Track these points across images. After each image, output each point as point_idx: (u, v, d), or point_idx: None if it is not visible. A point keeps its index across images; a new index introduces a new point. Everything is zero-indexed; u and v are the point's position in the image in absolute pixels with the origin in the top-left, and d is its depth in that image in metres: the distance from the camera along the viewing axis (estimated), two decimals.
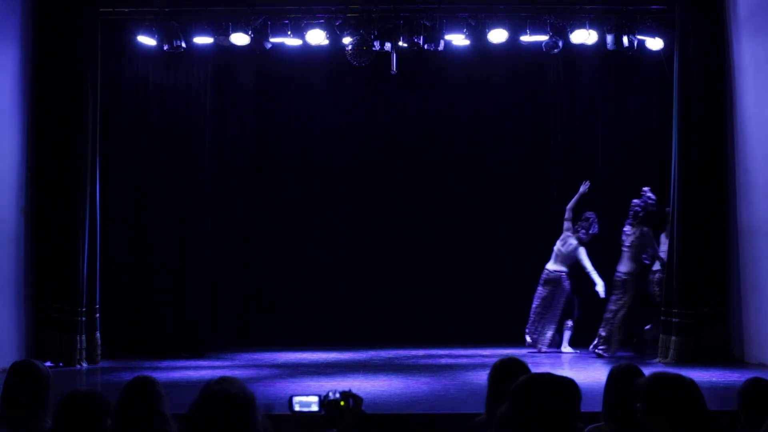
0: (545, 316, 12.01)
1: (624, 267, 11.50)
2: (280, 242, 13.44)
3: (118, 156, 12.39)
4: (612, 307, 11.51)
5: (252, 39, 11.52)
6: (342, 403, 3.21)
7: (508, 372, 4.42)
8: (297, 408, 3.30)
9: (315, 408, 3.28)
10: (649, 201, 11.56)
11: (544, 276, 12.06)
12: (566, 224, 12.11)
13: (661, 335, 11.24)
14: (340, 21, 11.54)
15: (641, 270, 11.63)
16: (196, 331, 12.47)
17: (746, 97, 11.05)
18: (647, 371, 4.56)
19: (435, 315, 13.23)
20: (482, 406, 4.64)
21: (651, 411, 3.57)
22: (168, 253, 12.70)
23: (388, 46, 11.62)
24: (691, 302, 11.04)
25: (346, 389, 3.29)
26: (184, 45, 11.60)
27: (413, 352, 12.00)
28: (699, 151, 11.26)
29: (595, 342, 11.59)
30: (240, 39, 11.47)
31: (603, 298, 11.71)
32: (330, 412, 3.21)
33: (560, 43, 11.56)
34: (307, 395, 3.28)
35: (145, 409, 4.31)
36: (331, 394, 3.25)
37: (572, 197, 12.27)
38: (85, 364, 10.99)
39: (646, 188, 11.62)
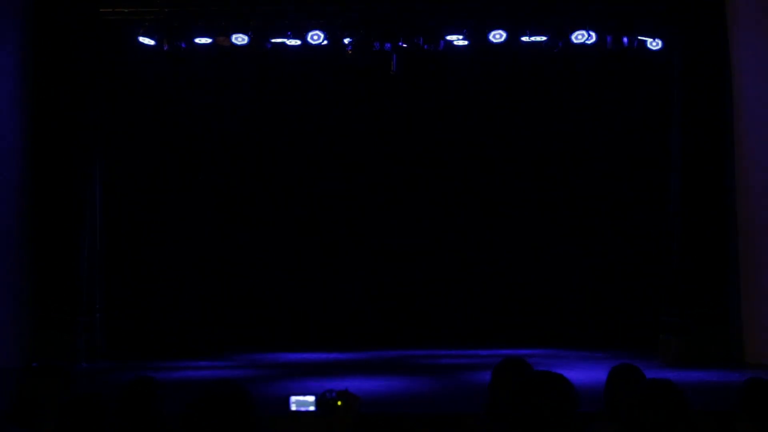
0: None
1: None
2: (281, 243, 13.43)
3: (118, 156, 12.40)
4: None
5: (252, 39, 11.52)
6: (339, 402, 3.20)
7: (511, 372, 4.40)
8: (294, 407, 3.29)
9: (312, 408, 3.27)
10: None
11: None
12: None
13: (661, 335, 11.25)
14: (340, 21, 11.55)
15: None
16: (196, 332, 12.48)
17: (747, 97, 11.04)
18: (647, 371, 4.57)
19: (435, 316, 13.23)
20: (482, 406, 4.63)
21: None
22: (168, 253, 12.73)
23: (388, 46, 11.62)
24: (692, 303, 11.05)
25: (343, 389, 3.28)
26: (183, 45, 11.61)
27: (414, 353, 11.99)
28: (699, 151, 11.25)
29: None
30: (240, 39, 11.47)
31: None
32: (327, 411, 3.20)
33: (560, 43, 11.56)
34: (304, 395, 3.28)
35: (145, 409, 4.31)
36: (327, 393, 3.24)
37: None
38: (85, 364, 10.99)
39: None
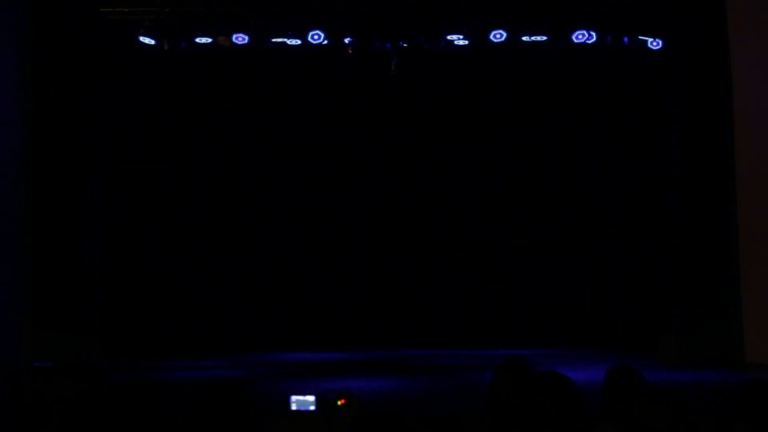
0: None
1: None
2: (281, 243, 13.42)
3: (118, 156, 12.39)
4: None
5: (252, 39, 11.52)
6: (339, 402, 3.21)
7: (513, 372, 4.40)
8: (294, 407, 3.30)
9: (312, 407, 3.28)
10: None
11: None
12: None
13: (661, 335, 11.26)
14: (340, 21, 11.55)
15: None
16: (196, 332, 12.48)
17: (747, 97, 11.03)
18: (647, 372, 4.57)
19: (435, 316, 13.21)
20: (482, 407, 4.63)
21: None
22: (168, 253, 12.72)
23: (388, 46, 11.63)
24: (692, 303, 11.05)
25: (344, 389, 3.29)
26: (184, 45, 11.62)
27: (413, 353, 11.99)
28: (699, 151, 11.26)
29: None
30: (240, 39, 11.48)
31: None
32: (327, 411, 3.21)
33: (561, 43, 11.56)
34: (305, 395, 3.29)
35: (146, 410, 4.31)
36: (328, 393, 3.25)
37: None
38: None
39: None
